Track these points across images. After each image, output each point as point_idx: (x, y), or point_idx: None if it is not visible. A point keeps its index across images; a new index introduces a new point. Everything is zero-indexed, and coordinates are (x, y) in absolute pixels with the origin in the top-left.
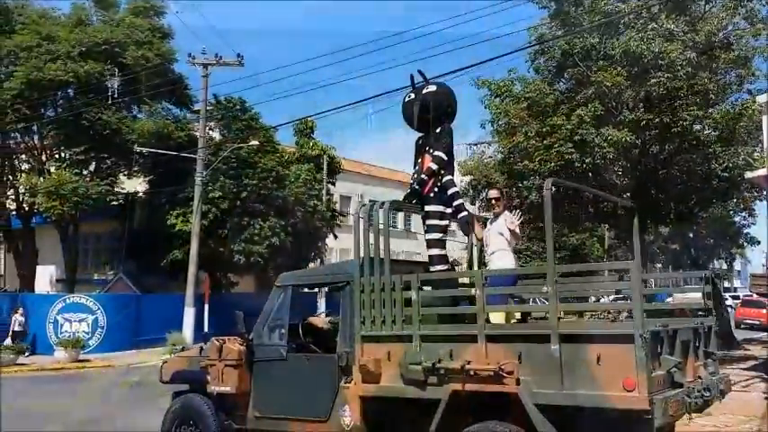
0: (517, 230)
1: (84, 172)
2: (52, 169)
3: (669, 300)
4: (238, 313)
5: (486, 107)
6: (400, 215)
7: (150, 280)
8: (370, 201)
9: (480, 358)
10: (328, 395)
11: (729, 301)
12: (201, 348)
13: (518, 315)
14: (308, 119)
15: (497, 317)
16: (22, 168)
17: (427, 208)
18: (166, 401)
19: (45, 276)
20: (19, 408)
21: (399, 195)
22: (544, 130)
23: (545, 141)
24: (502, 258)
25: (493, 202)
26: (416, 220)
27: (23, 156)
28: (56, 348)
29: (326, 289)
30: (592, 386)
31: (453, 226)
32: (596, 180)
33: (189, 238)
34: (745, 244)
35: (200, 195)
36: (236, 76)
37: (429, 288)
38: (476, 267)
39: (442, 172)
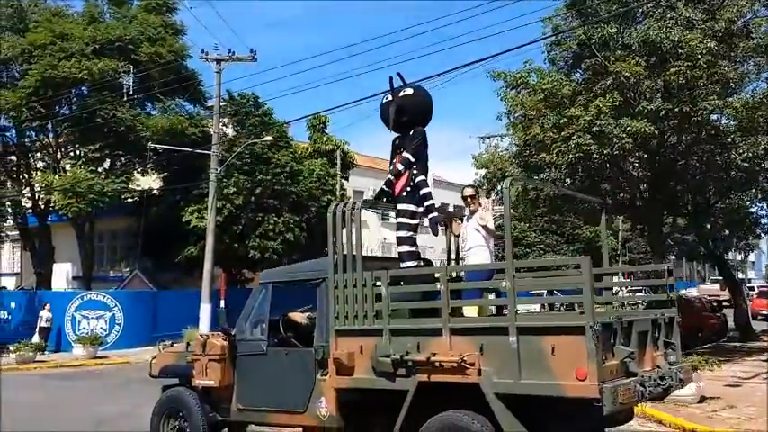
0: (489, 225)
1: (99, 169)
2: (67, 167)
3: (688, 290)
4: (221, 309)
5: (501, 99)
6: None
7: (165, 276)
8: (345, 199)
9: (445, 350)
10: (306, 387)
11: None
12: (188, 344)
13: (493, 309)
14: (321, 114)
15: (470, 310)
16: (38, 166)
17: (399, 206)
18: None
19: (61, 274)
20: (35, 405)
21: None
22: (561, 121)
23: (562, 133)
24: (477, 254)
25: (468, 199)
26: None
27: (38, 154)
28: (74, 345)
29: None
30: (547, 376)
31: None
32: (614, 172)
33: (204, 234)
34: (763, 235)
35: (214, 191)
36: (249, 71)
37: (400, 284)
38: (454, 263)
39: (415, 172)
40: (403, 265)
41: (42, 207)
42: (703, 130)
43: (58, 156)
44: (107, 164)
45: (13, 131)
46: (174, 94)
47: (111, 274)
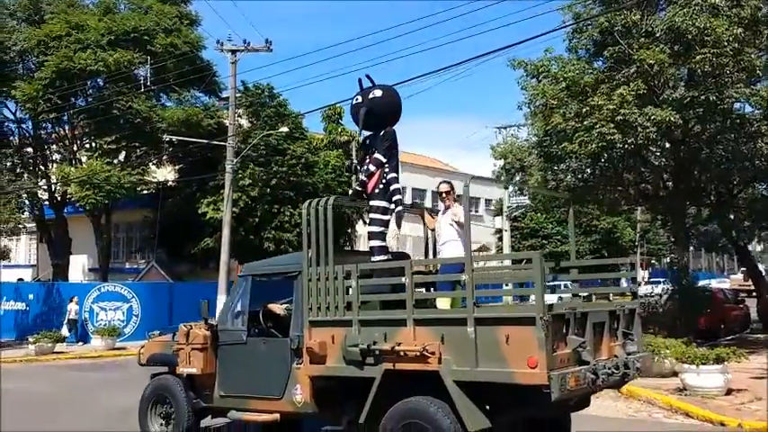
0: (461, 221)
1: (115, 161)
2: (84, 159)
3: (718, 282)
4: (203, 301)
5: (522, 88)
6: (427, 202)
7: (181, 268)
8: (319, 196)
9: (409, 340)
10: (282, 375)
11: None
12: (174, 334)
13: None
14: (337, 105)
15: (444, 302)
16: (54, 158)
17: (372, 203)
18: None
19: (77, 266)
20: (49, 395)
21: (427, 181)
22: (584, 110)
23: (585, 122)
24: (451, 248)
25: (443, 195)
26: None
27: (55, 146)
28: (92, 337)
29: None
30: (501, 364)
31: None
32: (636, 161)
33: (220, 225)
34: None
35: (230, 183)
36: (264, 62)
37: (370, 277)
38: (430, 256)
39: (387, 170)
40: (373, 258)
41: (59, 199)
42: (728, 119)
43: (75, 147)
44: (123, 156)
45: (30, 123)
46: (189, 86)
47: (128, 266)
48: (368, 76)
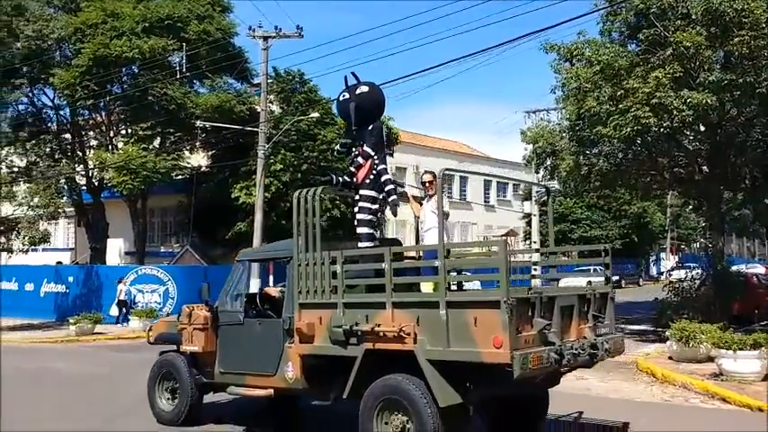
0: (442, 211)
1: (150, 147)
2: (120, 145)
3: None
4: (204, 284)
5: (555, 72)
6: (455, 186)
7: (215, 252)
8: (316, 183)
9: (388, 322)
10: (275, 354)
11: None
12: (179, 315)
13: (454, 285)
14: None
15: (427, 286)
16: (91, 144)
17: (361, 192)
18: None
19: (114, 249)
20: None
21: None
22: (618, 93)
23: (620, 106)
24: (433, 234)
25: (427, 184)
26: (471, 190)
27: (91, 132)
28: (131, 319)
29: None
30: (470, 344)
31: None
32: (671, 145)
33: (252, 210)
34: None
35: (262, 168)
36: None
37: (356, 263)
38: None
39: (377, 161)
40: (360, 245)
41: (96, 184)
42: (765, 102)
43: (111, 134)
44: (158, 141)
45: (68, 110)
46: (221, 72)
47: (163, 250)
48: (353, 74)
